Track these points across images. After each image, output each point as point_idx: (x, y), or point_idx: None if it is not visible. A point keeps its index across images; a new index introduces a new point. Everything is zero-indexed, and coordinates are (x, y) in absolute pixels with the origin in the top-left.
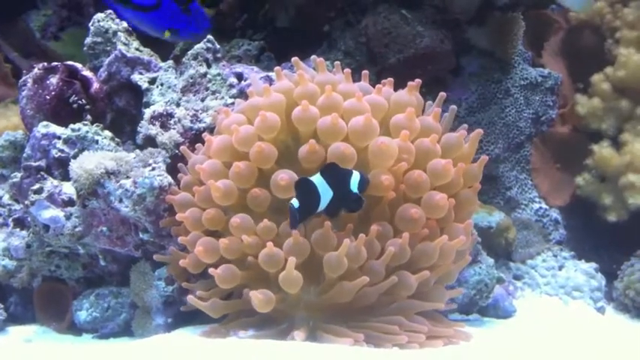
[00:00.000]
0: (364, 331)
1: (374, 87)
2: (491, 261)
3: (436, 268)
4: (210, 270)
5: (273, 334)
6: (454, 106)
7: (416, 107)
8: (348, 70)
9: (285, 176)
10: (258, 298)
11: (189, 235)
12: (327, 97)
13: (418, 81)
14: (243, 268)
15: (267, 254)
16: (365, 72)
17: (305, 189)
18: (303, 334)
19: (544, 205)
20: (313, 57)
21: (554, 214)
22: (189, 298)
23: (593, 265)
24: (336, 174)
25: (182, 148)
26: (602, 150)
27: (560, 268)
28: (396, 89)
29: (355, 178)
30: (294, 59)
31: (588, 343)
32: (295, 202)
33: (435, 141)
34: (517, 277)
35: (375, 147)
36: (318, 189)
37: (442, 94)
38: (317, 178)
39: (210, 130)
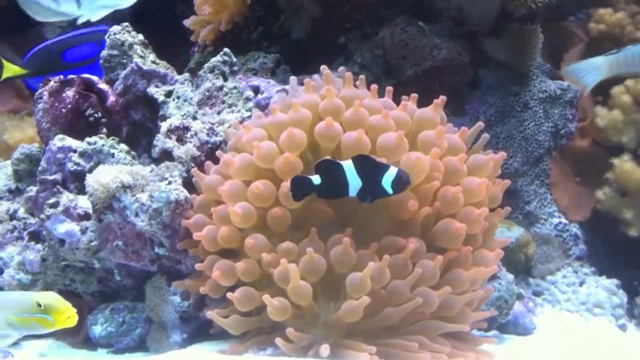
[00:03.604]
0: (384, 348)
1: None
2: (510, 277)
3: (464, 294)
4: (228, 294)
5: (291, 351)
6: (486, 135)
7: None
8: (374, 86)
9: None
10: (273, 305)
11: (205, 260)
12: (355, 111)
13: (443, 98)
14: (262, 288)
15: (281, 271)
16: (389, 88)
17: (329, 170)
18: (328, 348)
19: (564, 220)
20: (341, 69)
21: (574, 229)
22: (209, 313)
23: (615, 281)
24: (368, 165)
25: (193, 170)
26: (623, 164)
27: (581, 284)
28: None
29: (390, 173)
30: (325, 72)
31: None
32: (316, 179)
33: (463, 160)
34: (537, 294)
35: (408, 161)
36: (347, 175)
37: (480, 124)
38: (346, 164)
39: (227, 143)
